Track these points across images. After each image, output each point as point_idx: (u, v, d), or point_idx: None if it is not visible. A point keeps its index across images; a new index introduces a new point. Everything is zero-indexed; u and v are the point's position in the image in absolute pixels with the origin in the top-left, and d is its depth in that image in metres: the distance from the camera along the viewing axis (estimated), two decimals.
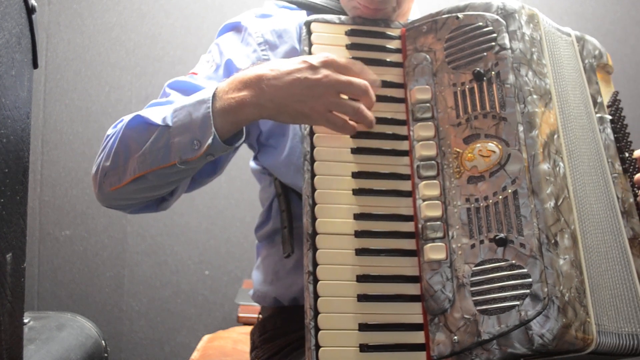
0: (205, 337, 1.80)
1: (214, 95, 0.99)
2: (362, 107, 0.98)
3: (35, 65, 0.94)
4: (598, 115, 1.13)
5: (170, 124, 1.01)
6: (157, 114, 1.04)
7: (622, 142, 1.15)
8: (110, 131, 1.11)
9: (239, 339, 1.73)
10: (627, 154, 1.14)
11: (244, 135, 1.05)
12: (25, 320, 1.28)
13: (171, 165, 1.02)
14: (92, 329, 1.35)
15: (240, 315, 2.05)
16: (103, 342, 1.36)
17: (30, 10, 0.90)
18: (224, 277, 2.57)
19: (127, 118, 1.08)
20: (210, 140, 0.98)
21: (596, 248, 0.98)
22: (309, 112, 0.96)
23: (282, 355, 1.19)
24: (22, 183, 0.90)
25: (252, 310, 2.01)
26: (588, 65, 1.16)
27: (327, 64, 0.96)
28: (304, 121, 0.98)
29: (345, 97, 0.97)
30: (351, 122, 0.98)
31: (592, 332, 0.89)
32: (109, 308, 2.53)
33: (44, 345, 1.19)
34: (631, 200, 1.09)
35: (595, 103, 1.13)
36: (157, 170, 1.04)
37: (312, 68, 0.96)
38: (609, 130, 1.13)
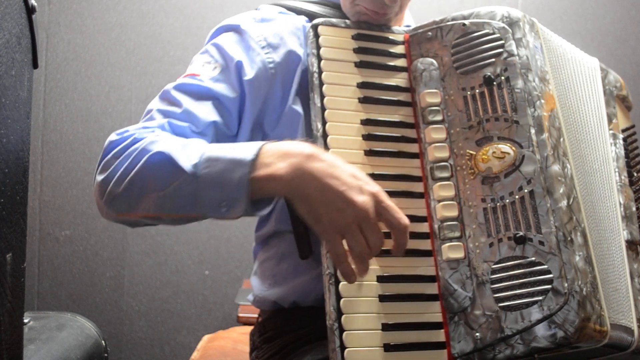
0: (205, 337, 1.79)
1: (255, 159, 0.93)
2: (368, 257, 0.91)
3: (35, 65, 0.94)
4: (611, 131, 1.19)
5: (199, 174, 0.94)
6: (186, 155, 0.96)
7: (631, 160, 1.22)
8: (114, 137, 1.03)
9: (239, 339, 1.73)
10: (635, 173, 1.22)
11: (272, 204, 0.99)
12: (25, 320, 1.28)
13: (192, 217, 0.98)
14: (92, 329, 1.35)
15: (240, 315, 2.04)
16: (103, 342, 1.36)
17: (30, 10, 0.90)
18: (224, 277, 2.57)
19: (145, 139, 1.00)
20: (241, 211, 0.94)
21: (599, 245, 1.02)
22: (324, 221, 0.90)
23: (282, 355, 1.19)
24: (22, 183, 0.90)
25: (252, 310, 2.00)
26: (608, 91, 1.23)
27: (373, 196, 0.90)
28: (313, 224, 0.92)
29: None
30: (351, 264, 0.92)
31: (607, 324, 0.93)
32: (109, 308, 2.53)
33: (44, 345, 1.19)
34: (633, 209, 1.15)
35: (610, 121, 1.20)
36: (174, 216, 0.99)
37: (360, 190, 0.90)
38: (620, 145, 1.20)
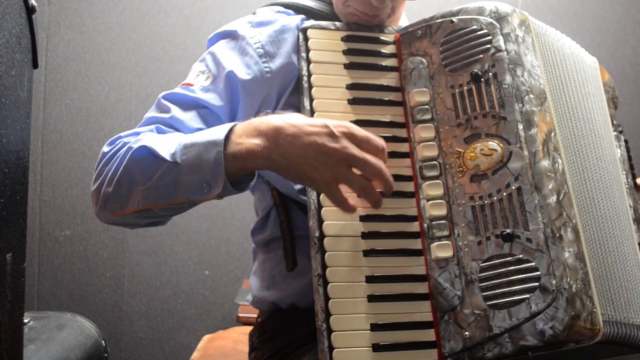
0: (205, 337, 1.79)
1: (226, 138, 0.97)
2: (370, 185, 0.95)
3: (35, 65, 0.94)
4: (615, 133, 1.19)
5: (179, 161, 0.98)
6: (165, 146, 1.01)
7: (631, 162, 1.22)
8: (106, 149, 1.08)
9: (239, 339, 1.73)
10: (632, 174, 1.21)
11: (255, 178, 1.03)
12: (25, 320, 1.28)
13: (178, 203, 1.01)
14: (92, 329, 1.35)
15: (240, 315, 2.04)
16: (103, 342, 1.36)
17: (30, 10, 0.90)
18: (224, 277, 2.57)
19: (130, 142, 1.05)
20: (221, 188, 0.97)
21: (599, 241, 1.01)
22: (317, 178, 0.94)
23: (280, 356, 1.20)
24: (22, 183, 0.90)
25: (252, 311, 2.01)
26: (606, 91, 1.23)
27: (347, 135, 0.94)
28: (308, 184, 0.97)
29: (356, 171, 0.95)
30: (351, 203, 0.96)
31: (599, 322, 0.91)
32: (109, 308, 2.53)
33: (44, 345, 1.19)
34: None
35: (612, 123, 1.20)
36: (162, 205, 1.02)
37: (332, 135, 0.93)
38: (623, 147, 1.20)
